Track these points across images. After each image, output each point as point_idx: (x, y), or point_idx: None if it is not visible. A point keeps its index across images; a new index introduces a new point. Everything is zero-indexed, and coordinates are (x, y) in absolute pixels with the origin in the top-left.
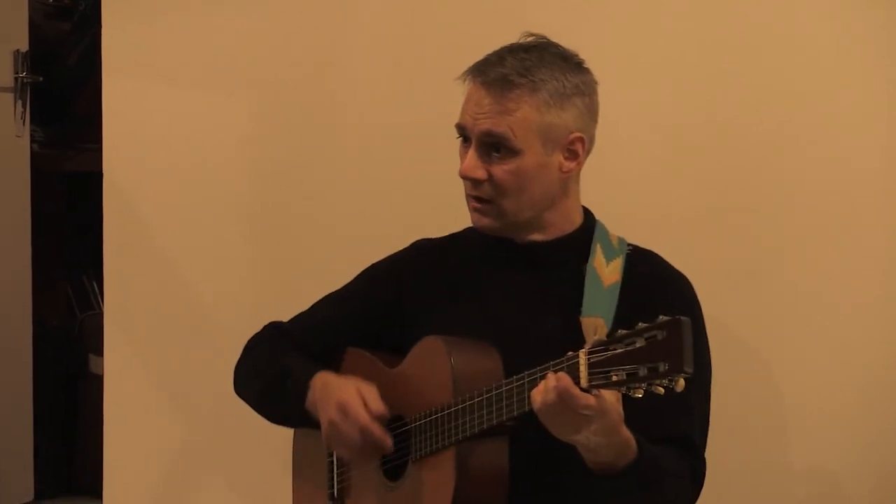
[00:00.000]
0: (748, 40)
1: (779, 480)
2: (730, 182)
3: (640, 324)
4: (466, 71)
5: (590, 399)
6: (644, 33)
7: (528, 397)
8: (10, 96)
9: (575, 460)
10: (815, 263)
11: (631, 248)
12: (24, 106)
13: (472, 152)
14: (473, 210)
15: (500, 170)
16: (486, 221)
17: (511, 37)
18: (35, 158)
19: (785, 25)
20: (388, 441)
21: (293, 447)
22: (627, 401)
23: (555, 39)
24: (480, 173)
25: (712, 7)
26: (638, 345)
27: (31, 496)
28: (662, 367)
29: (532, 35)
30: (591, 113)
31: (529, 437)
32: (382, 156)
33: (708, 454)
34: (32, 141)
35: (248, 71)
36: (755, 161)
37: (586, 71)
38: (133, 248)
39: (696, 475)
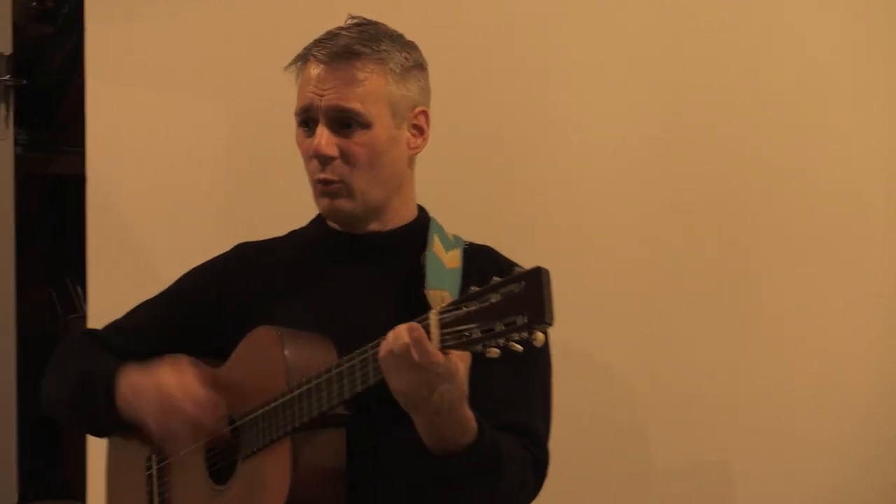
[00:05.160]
0: (748, 40)
1: (776, 482)
2: (726, 183)
3: (494, 278)
4: (297, 57)
5: (440, 355)
6: (644, 33)
7: (373, 371)
8: None
9: (413, 449)
10: (813, 265)
11: (468, 243)
12: (7, 109)
13: (322, 129)
14: (323, 195)
15: (353, 143)
16: (341, 205)
17: (502, 35)
18: (18, 161)
19: (783, 25)
20: (221, 401)
21: (107, 464)
22: (471, 386)
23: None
24: (333, 150)
25: (713, 7)
26: (493, 300)
27: (14, 500)
28: (521, 320)
29: (356, 17)
30: (429, 90)
31: (365, 427)
32: None
33: (702, 457)
34: (16, 144)
35: (232, 73)
36: (753, 163)
37: (418, 48)
38: (116, 251)
39: (537, 464)
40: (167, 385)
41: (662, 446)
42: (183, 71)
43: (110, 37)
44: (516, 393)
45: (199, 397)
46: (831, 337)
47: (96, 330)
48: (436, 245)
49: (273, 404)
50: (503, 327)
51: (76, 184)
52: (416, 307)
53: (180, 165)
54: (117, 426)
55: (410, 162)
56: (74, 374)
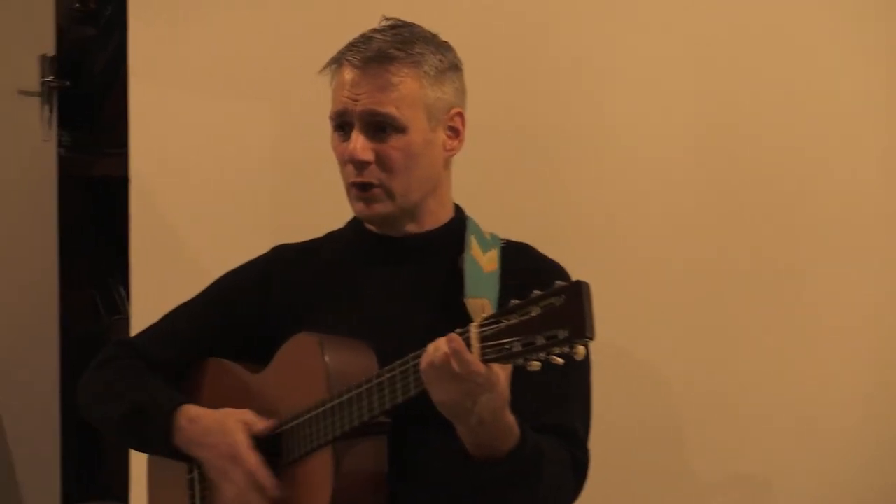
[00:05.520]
0: (749, 42)
1: (780, 485)
2: (730, 184)
3: (535, 291)
4: (331, 60)
5: (481, 366)
6: (648, 38)
7: (413, 382)
8: (36, 101)
9: (454, 457)
10: (816, 266)
11: (504, 241)
12: (50, 110)
13: (357, 134)
14: (359, 199)
15: (388, 147)
16: (377, 208)
17: (538, 35)
18: (62, 163)
19: (787, 27)
20: (273, 483)
21: (149, 466)
22: (511, 389)
23: (556, 41)
24: (368, 154)
25: (716, 10)
26: (533, 314)
27: (58, 501)
28: (562, 334)
29: (390, 19)
30: (464, 91)
31: (406, 435)
32: None
33: (707, 459)
34: (59, 145)
35: (275, 74)
36: (757, 164)
37: (453, 49)
38: (159, 253)
39: (578, 465)
40: (238, 442)
41: (697, 448)
42: (225, 72)
43: (153, 38)
44: (555, 394)
45: (259, 467)
46: (843, 336)
47: (136, 341)
48: (473, 248)
49: (314, 412)
50: (544, 341)
51: (119, 185)
52: (454, 313)
53: (223, 167)
54: (168, 455)
55: (447, 163)
56: (126, 401)
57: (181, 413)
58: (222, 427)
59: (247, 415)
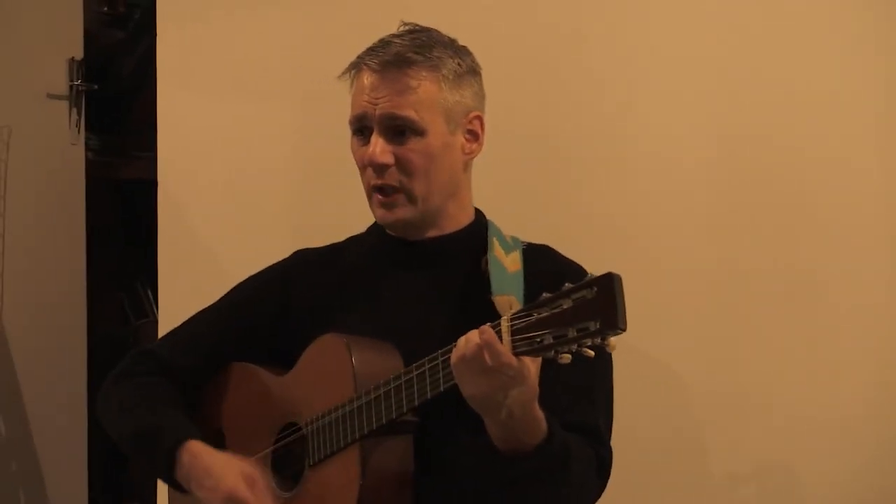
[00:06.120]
0: (766, 47)
1: (782, 485)
2: (742, 187)
3: (566, 284)
4: (350, 65)
5: (512, 358)
6: (662, 43)
7: (443, 377)
8: (65, 104)
9: (480, 453)
10: (817, 265)
11: (526, 244)
12: (79, 114)
13: (376, 137)
14: (381, 206)
15: (407, 151)
16: (399, 213)
17: (541, 40)
18: (90, 166)
19: (788, 29)
20: None
21: None
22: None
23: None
24: (388, 157)
25: (718, 14)
26: (565, 306)
27: (84, 503)
28: (593, 325)
29: (408, 24)
30: (483, 95)
31: (432, 432)
32: None
33: (706, 457)
34: (87, 149)
35: (302, 77)
36: (767, 167)
37: (472, 53)
38: (186, 255)
39: (602, 463)
40: (238, 490)
41: (697, 447)
42: (253, 76)
43: (181, 42)
44: (579, 391)
45: None
46: (843, 332)
47: (158, 349)
48: (496, 249)
49: (341, 411)
50: (575, 333)
51: (147, 189)
52: (480, 313)
53: (250, 170)
54: (171, 486)
55: (466, 167)
56: (135, 424)
57: (185, 449)
58: (223, 470)
59: (250, 468)
